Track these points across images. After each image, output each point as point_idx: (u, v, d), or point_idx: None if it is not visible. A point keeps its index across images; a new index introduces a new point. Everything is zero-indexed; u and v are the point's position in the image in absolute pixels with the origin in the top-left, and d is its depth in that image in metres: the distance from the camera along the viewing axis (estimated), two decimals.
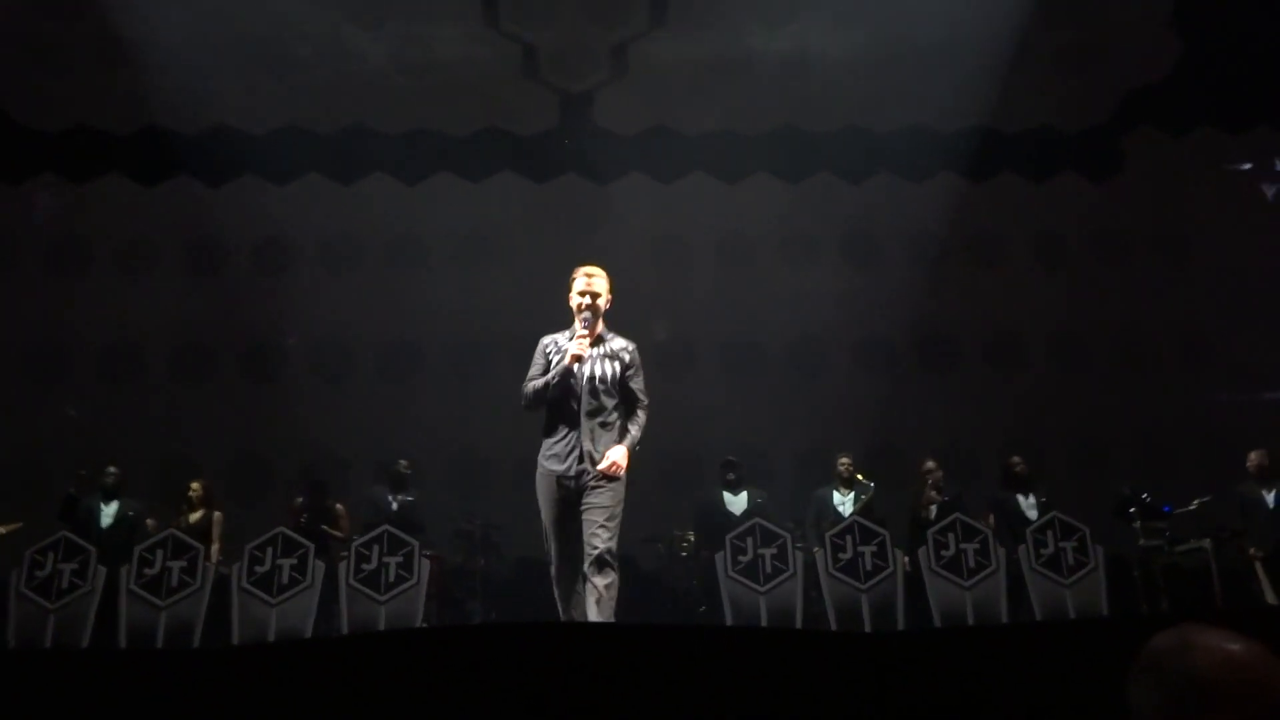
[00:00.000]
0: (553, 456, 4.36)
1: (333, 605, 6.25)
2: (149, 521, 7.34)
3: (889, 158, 10.20)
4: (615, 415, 4.41)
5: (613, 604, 4.18)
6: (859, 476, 7.53)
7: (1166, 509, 7.26)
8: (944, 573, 6.26)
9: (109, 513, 7.13)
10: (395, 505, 7.49)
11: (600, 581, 4.11)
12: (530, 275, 8.75)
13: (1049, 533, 6.43)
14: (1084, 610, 6.09)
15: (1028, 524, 6.83)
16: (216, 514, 7.33)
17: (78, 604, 5.96)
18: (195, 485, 7.41)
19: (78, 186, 9.72)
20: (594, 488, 4.28)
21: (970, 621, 6.04)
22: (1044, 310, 9.95)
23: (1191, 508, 7.25)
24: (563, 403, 4.38)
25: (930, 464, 7.64)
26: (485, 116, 10.13)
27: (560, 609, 4.41)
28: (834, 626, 6.05)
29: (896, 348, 9.86)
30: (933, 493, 7.45)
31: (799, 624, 6.14)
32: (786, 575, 6.28)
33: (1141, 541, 7.04)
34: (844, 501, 7.46)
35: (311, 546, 6.26)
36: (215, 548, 7.08)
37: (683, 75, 10.01)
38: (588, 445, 4.30)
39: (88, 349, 9.43)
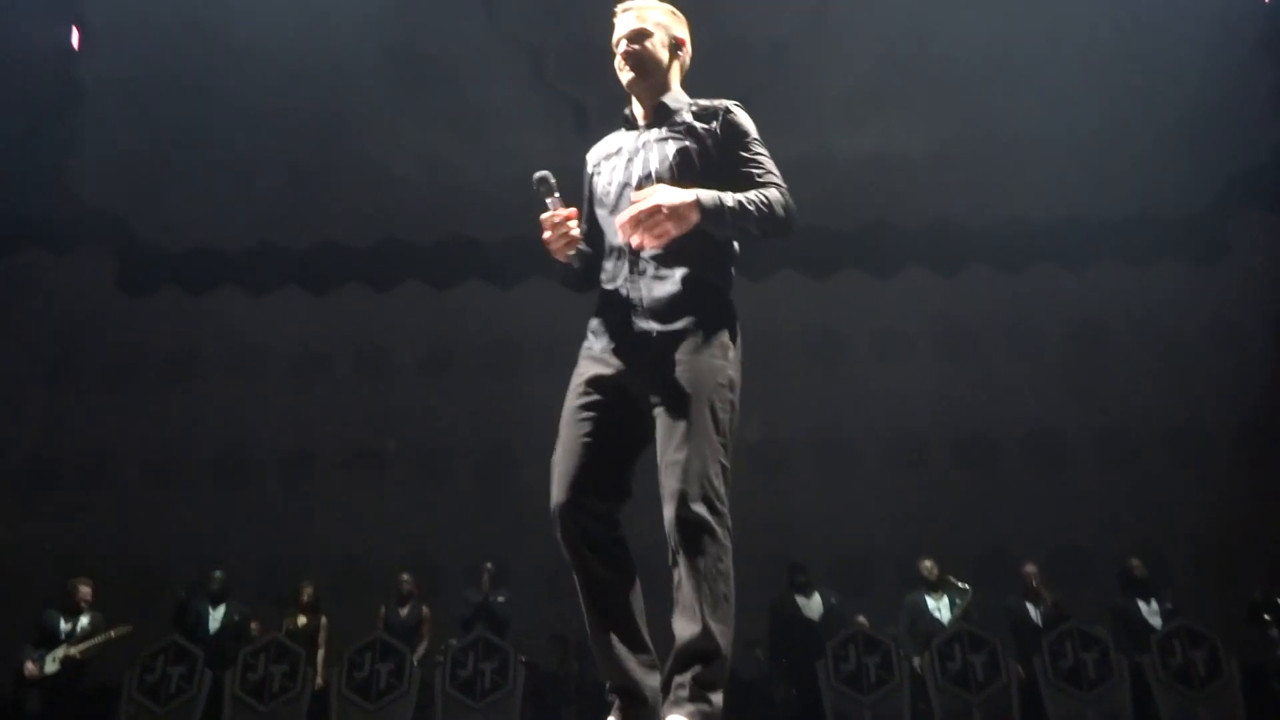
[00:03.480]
0: (596, 329, 2.52)
1: (429, 710, 6.22)
2: (253, 624, 7.46)
3: (981, 250, 10.08)
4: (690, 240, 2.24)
5: (726, 600, 2.17)
6: (951, 579, 7.23)
7: None
8: (1062, 684, 5.92)
9: (216, 617, 7.30)
10: (490, 603, 7.48)
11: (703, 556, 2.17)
12: None
13: (1176, 642, 6.05)
14: None
15: (1150, 631, 6.43)
16: (324, 619, 7.41)
17: (185, 708, 6.08)
18: (308, 588, 7.53)
19: (196, 298, 10.27)
20: (668, 384, 2.22)
21: None
22: (1155, 401, 9.53)
23: None
24: (607, 235, 2.47)
25: (1030, 568, 7.29)
26: None
27: (592, 629, 2.36)
28: None
29: (998, 444, 9.56)
30: (1045, 591, 7.10)
31: None
32: (892, 685, 6.03)
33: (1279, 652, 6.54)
34: (938, 607, 7.16)
35: (408, 651, 6.30)
36: (322, 654, 7.13)
37: None
38: (639, 293, 2.37)
39: (201, 454, 9.79)
